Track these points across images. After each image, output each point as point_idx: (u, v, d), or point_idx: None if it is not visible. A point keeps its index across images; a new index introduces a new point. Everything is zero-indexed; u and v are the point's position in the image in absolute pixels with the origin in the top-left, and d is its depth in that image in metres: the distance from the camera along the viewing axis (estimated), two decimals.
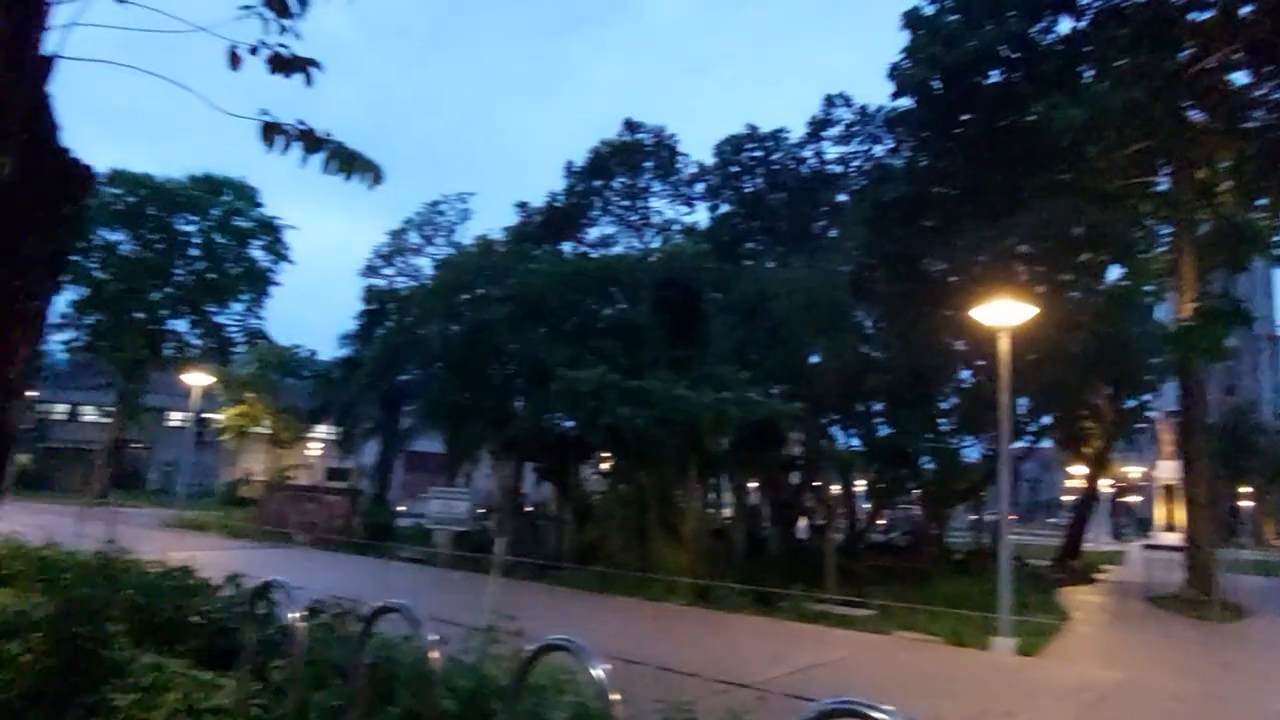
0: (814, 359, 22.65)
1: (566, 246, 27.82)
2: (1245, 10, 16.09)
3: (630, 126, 30.18)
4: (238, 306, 34.16)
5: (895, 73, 21.08)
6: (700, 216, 30.80)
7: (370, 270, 33.21)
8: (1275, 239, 19.61)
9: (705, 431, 16.95)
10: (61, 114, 3.35)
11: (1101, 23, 17.99)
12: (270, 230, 33.63)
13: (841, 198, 27.20)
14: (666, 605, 14.32)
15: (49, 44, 3.27)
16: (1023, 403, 23.11)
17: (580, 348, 19.32)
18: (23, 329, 3.19)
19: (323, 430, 36.96)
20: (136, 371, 32.69)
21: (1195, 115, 17.88)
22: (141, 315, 32.44)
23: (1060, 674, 10.09)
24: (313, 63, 3.79)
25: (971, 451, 24.17)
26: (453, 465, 37.62)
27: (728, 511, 25.07)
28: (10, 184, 3.03)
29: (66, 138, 3.39)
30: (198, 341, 33.51)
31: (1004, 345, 12.57)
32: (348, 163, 3.69)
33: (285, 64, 3.73)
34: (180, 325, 33.49)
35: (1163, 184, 18.81)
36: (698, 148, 38.88)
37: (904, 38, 20.90)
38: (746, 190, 29.17)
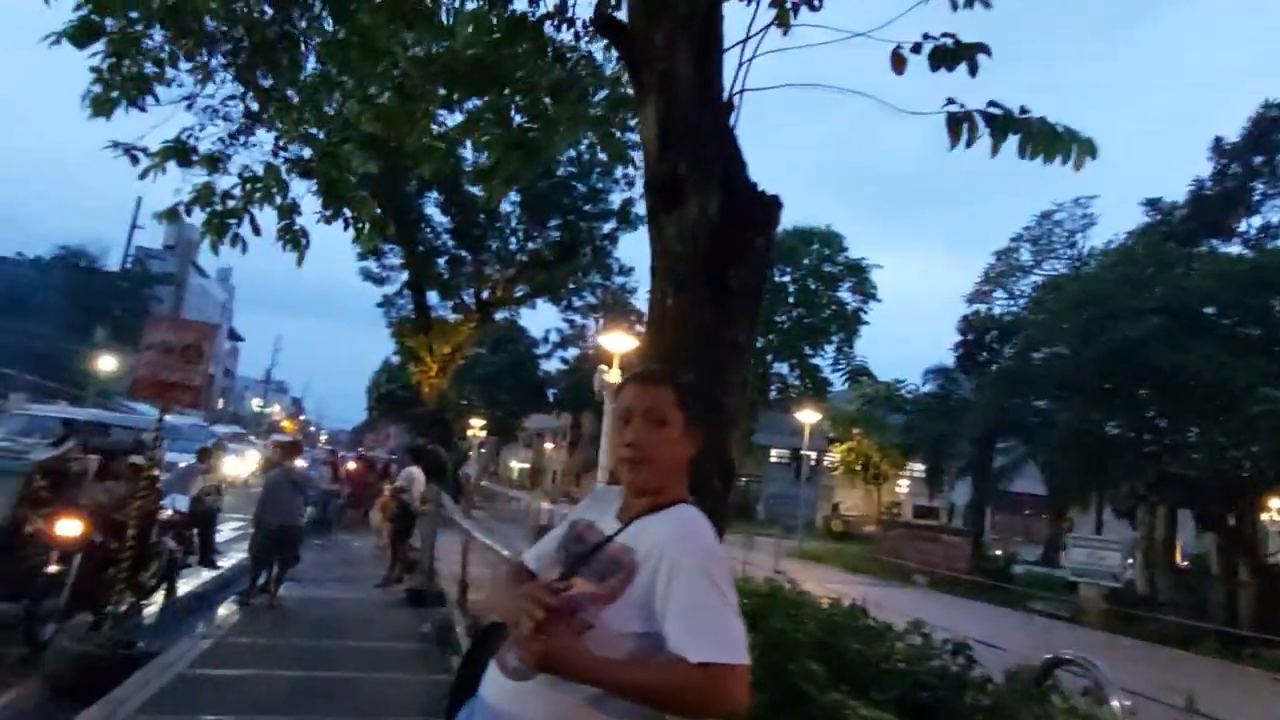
0: None
1: (1215, 243, 22.59)
2: None
3: None
4: (828, 347, 35.88)
5: None
6: None
7: (979, 296, 31.61)
8: None
9: None
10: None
11: None
12: (858, 271, 34.73)
13: None
14: None
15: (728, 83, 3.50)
16: None
17: (1271, 360, 15.12)
18: (734, 359, 3.29)
19: (910, 467, 36.54)
20: (748, 411, 36.44)
21: None
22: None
23: None
24: (982, 48, 3.27)
25: None
26: (1058, 508, 33.43)
27: None
28: (714, 221, 3.26)
29: None
30: (796, 383, 36.06)
31: None
32: (1049, 143, 3.15)
33: (950, 56, 3.33)
34: (782, 368, 36.41)
35: None
36: None
37: None
38: None
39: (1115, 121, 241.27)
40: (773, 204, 3.52)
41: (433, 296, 25.55)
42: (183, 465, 10.69)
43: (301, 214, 5.15)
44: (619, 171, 24.09)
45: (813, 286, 34.78)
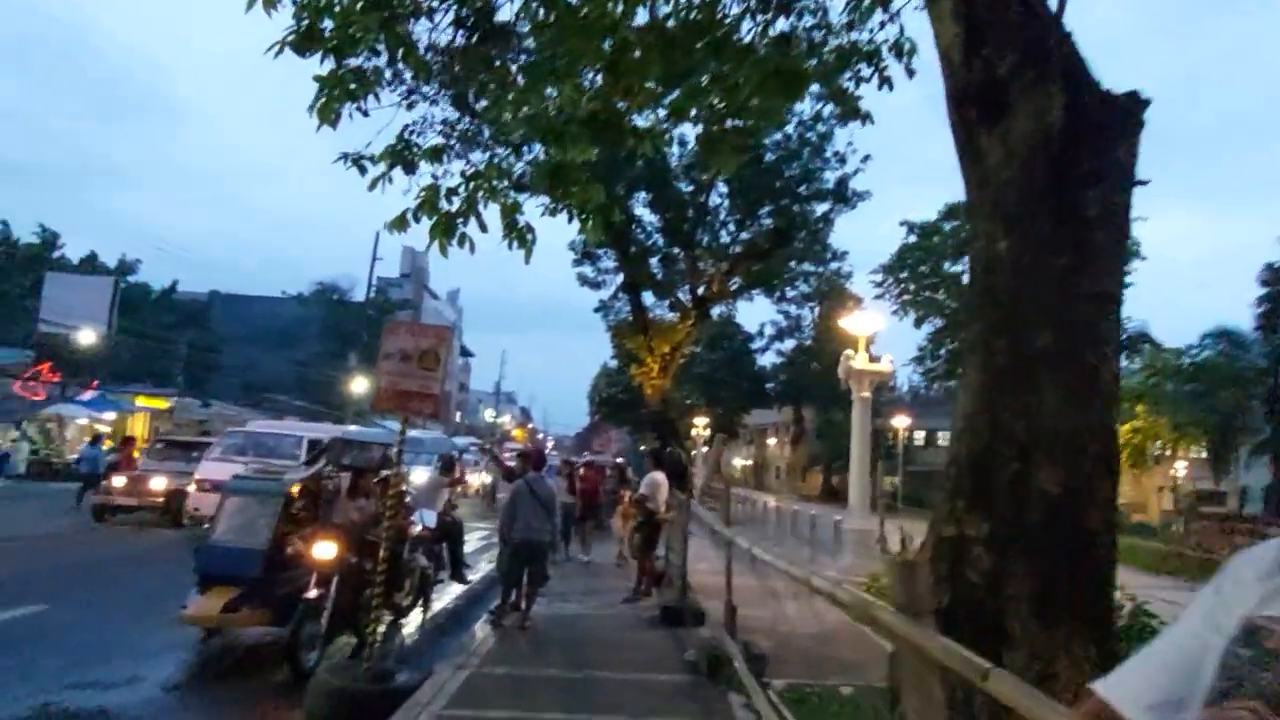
0: None
1: None
2: None
3: None
4: None
5: None
6: None
7: None
8: None
9: None
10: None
11: None
12: None
13: None
14: None
15: None
16: None
17: None
18: (1102, 312, 2.75)
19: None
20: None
21: None
22: None
23: None
24: None
25: None
26: None
27: None
28: (1056, 132, 2.68)
29: None
30: None
31: None
32: None
33: None
34: None
35: None
36: None
37: None
38: None
39: None
40: (1134, 102, 2.78)
41: (648, 297, 25.22)
42: (428, 479, 10.61)
43: (524, 213, 4.79)
44: (829, 150, 22.71)
45: None
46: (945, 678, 2.63)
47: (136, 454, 17.38)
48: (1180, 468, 34.83)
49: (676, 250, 24.66)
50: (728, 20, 4.48)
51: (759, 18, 4.66)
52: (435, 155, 5.42)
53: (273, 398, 37.20)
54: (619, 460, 27.09)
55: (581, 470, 15.58)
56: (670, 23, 4.48)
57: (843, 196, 23.50)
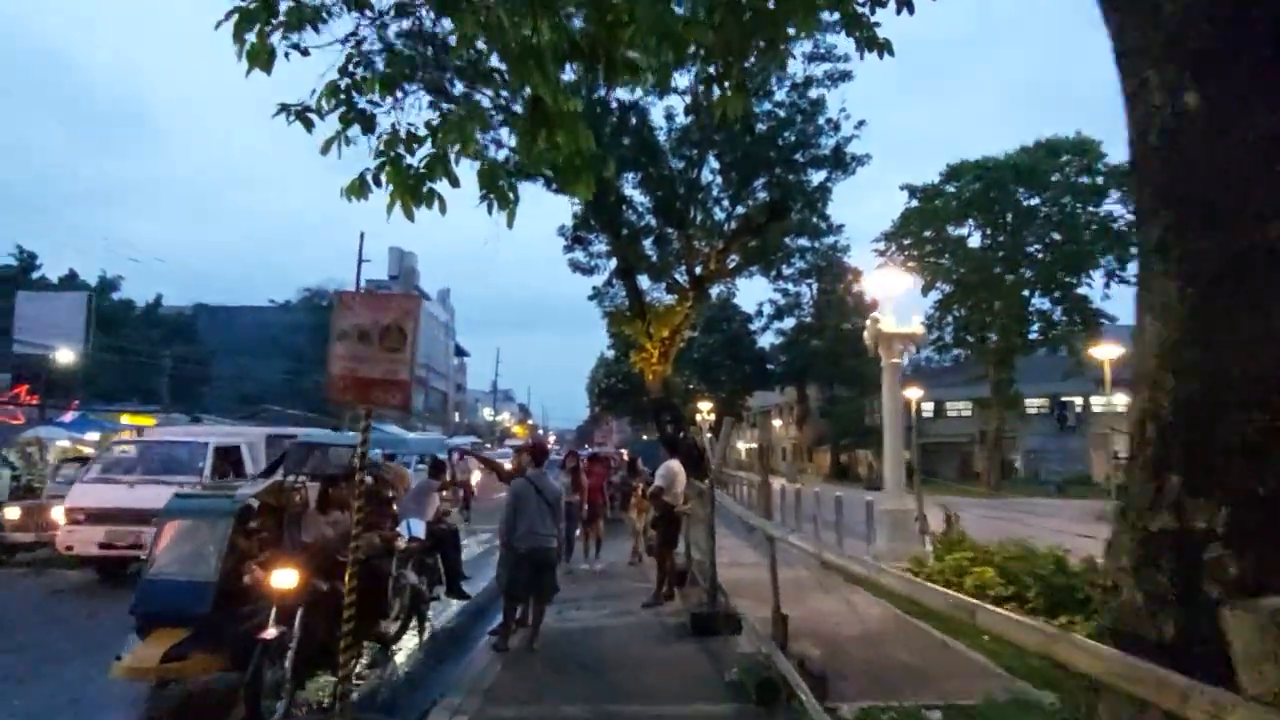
0: None
1: None
2: None
3: None
4: (1095, 273, 30.56)
5: None
6: None
7: None
8: None
9: None
10: None
11: None
12: (1127, 177, 29.28)
13: None
14: None
15: None
16: None
17: None
18: None
19: None
20: (1007, 359, 32.02)
21: None
22: (999, 303, 31.70)
23: None
24: None
25: None
26: None
27: None
28: None
29: None
30: (1062, 319, 31.14)
31: None
32: None
33: None
34: (1043, 304, 31.61)
35: None
36: None
37: None
38: None
39: None
40: None
41: (643, 281, 24.08)
42: (416, 483, 9.49)
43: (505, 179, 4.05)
44: (822, 118, 21.63)
45: (1068, 206, 29.70)
46: None
47: None
48: None
49: (670, 230, 23.53)
50: None
51: None
52: (389, 86, 4.45)
53: (268, 408, 36.08)
54: (624, 451, 26.05)
55: (585, 464, 14.40)
56: None
57: (840, 162, 22.42)
